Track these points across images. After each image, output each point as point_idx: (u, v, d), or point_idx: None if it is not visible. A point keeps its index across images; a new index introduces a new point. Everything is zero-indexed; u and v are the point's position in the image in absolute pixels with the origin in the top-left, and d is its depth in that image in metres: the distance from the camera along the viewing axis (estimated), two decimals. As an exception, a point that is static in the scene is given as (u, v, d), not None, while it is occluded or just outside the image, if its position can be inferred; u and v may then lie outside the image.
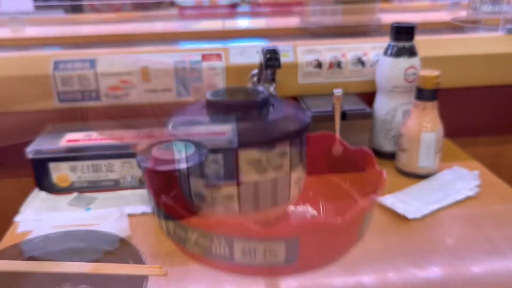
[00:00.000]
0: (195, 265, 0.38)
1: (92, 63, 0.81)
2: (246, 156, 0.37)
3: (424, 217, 0.65)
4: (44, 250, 0.54)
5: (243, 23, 1.26)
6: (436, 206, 0.67)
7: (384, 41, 0.83)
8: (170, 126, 0.40)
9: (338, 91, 0.73)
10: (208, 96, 0.42)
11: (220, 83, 0.84)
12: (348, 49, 0.86)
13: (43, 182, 0.73)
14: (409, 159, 0.76)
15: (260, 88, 0.46)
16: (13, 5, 1.08)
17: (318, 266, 0.35)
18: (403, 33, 0.77)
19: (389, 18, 1.22)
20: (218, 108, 0.40)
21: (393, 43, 0.78)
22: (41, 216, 0.67)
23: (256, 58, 0.84)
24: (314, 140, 0.47)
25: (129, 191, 0.73)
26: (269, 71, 0.75)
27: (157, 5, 1.49)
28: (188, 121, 0.41)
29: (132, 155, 0.71)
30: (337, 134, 0.75)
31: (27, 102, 0.81)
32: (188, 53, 0.84)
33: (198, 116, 0.40)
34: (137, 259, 0.51)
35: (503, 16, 1.03)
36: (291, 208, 0.45)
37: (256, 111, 0.40)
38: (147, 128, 0.61)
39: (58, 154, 0.72)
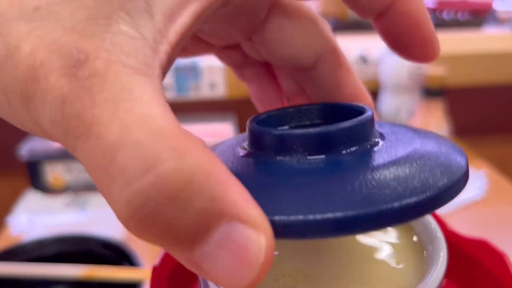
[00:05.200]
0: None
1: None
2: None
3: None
4: (37, 253, 0.52)
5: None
6: (442, 208, 0.66)
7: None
8: None
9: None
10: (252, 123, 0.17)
11: (220, 81, 0.82)
12: (350, 47, 0.84)
13: (38, 183, 0.71)
14: (414, 159, 0.74)
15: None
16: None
17: None
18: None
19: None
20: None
21: (397, 41, 0.76)
22: (35, 217, 0.65)
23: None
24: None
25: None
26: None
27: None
28: None
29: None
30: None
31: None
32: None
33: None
34: (133, 262, 0.49)
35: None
36: None
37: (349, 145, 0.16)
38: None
39: (53, 154, 0.70)
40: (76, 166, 0.71)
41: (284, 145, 0.16)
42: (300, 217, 0.13)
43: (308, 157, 0.15)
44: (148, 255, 0.54)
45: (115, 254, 0.52)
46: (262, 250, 0.12)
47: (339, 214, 0.12)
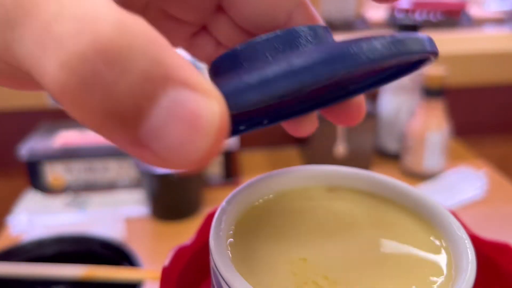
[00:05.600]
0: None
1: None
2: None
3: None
4: (37, 253, 0.52)
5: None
6: (442, 208, 0.66)
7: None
8: None
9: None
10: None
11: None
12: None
13: (38, 183, 0.71)
14: (414, 160, 0.74)
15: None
16: None
17: None
18: (407, 30, 0.75)
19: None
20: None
21: (397, 41, 0.76)
22: (35, 217, 0.65)
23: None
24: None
25: (125, 192, 0.71)
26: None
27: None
28: None
29: (129, 155, 0.69)
30: (340, 134, 0.74)
31: (19, 99, 0.79)
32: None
33: None
34: (133, 263, 0.49)
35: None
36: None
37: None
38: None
39: (53, 154, 0.70)
40: (76, 166, 0.71)
41: (244, 56, 0.16)
42: (253, 80, 0.12)
43: (269, 57, 0.16)
44: (148, 255, 0.54)
45: (115, 254, 0.52)
46: (216, 116, 0.11)
47: (297, 61, 0.12)
